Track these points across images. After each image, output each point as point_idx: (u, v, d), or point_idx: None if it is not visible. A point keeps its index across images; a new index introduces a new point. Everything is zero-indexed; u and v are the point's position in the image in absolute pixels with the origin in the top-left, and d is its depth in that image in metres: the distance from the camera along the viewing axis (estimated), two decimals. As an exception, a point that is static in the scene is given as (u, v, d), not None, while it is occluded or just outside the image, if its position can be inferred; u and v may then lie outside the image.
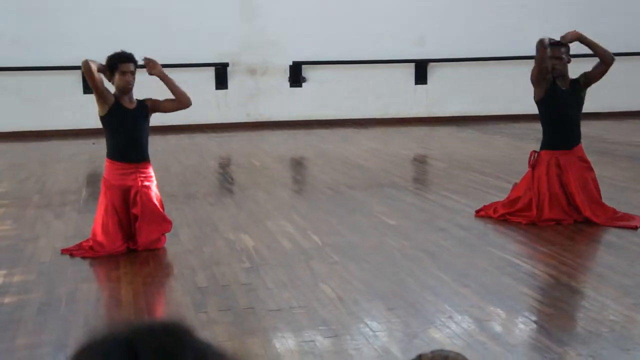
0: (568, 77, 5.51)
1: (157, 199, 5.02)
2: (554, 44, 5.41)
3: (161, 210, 5.04)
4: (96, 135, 11.05)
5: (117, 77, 4.85)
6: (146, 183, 4.96)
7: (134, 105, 4.95)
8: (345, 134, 11.12)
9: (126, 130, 4.92)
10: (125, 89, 4.90)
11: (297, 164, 9.15)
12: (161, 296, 4.18)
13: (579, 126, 5.58)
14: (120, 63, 4.84)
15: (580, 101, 5.55)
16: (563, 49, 5.43)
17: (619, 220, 5.38)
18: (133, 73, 4.90)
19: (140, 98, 5.02)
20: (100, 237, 4.86)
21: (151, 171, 5.04)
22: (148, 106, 5.00)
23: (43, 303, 3.97)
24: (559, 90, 5.47)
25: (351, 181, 7.31)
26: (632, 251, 4.78)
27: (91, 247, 4.87)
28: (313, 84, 12.25)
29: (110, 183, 4.92)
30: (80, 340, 0.84)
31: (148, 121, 5.07)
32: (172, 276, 4.46)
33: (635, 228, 5.25)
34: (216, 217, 5.95)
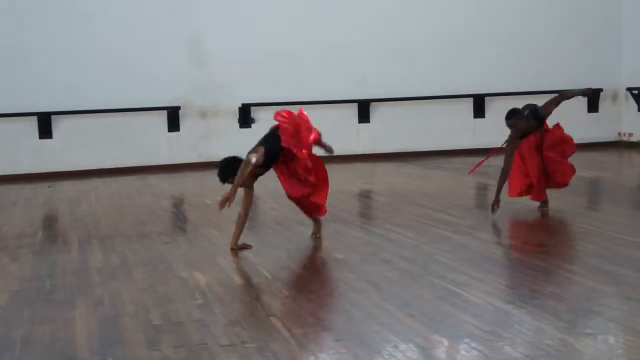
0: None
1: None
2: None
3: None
4: (51, 179, 11.07)
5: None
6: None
7: None
8: (294, 171, 11.34)
9: None
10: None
11: (248, 202, 9.30)
12: (115, 335, 4.24)
13: None
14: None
15: None
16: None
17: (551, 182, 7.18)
18: None
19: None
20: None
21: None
22: None
23: (-1, 346, 4.00)
24: None
25: (300, 217, 7.45)
26: (562, 276, 5.06)
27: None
28: (262, 125, 12.42)
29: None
30: None
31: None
32: (127, 315, 4.52)
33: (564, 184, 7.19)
34: (170, 255, 6.07)
